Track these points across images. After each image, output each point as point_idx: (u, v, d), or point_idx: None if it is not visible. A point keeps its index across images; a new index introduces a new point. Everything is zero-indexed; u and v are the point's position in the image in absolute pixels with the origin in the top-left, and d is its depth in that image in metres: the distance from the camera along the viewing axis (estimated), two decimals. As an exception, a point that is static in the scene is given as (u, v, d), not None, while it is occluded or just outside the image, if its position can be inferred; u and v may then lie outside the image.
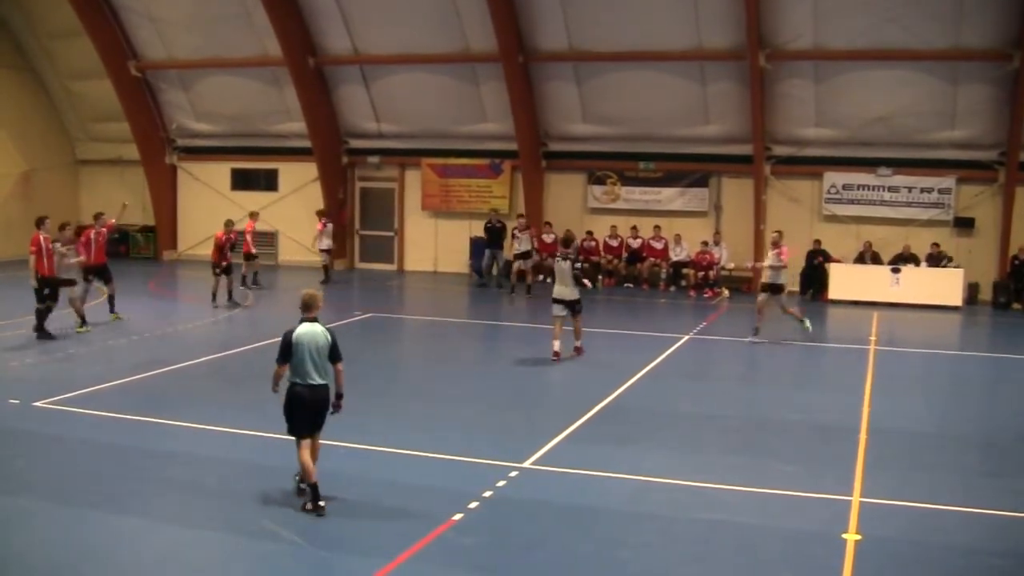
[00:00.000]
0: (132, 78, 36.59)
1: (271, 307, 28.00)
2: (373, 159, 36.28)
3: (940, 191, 30.46)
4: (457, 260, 35.27)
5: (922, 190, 30.57)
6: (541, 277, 32.27)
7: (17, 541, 10.98)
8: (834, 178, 31.24)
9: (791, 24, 29.02)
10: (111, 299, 24.46)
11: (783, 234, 24.08)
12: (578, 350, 20.80)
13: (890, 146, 30.56)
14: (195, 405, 16.62)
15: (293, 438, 11.90)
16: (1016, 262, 29.41)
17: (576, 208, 34.17)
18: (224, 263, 27.52)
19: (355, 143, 36.43)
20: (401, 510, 11.92)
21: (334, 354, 11.96)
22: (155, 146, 38.00)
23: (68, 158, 40.11)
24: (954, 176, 30.34)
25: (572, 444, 14.69)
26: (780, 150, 31.52)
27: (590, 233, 33.24)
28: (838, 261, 30.58)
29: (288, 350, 11.75)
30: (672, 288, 32.06)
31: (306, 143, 35.48)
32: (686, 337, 23.50)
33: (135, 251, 38.70)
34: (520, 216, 32.31)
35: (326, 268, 33.06)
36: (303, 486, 11.83)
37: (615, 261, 33.03)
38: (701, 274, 31.47)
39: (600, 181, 33.81)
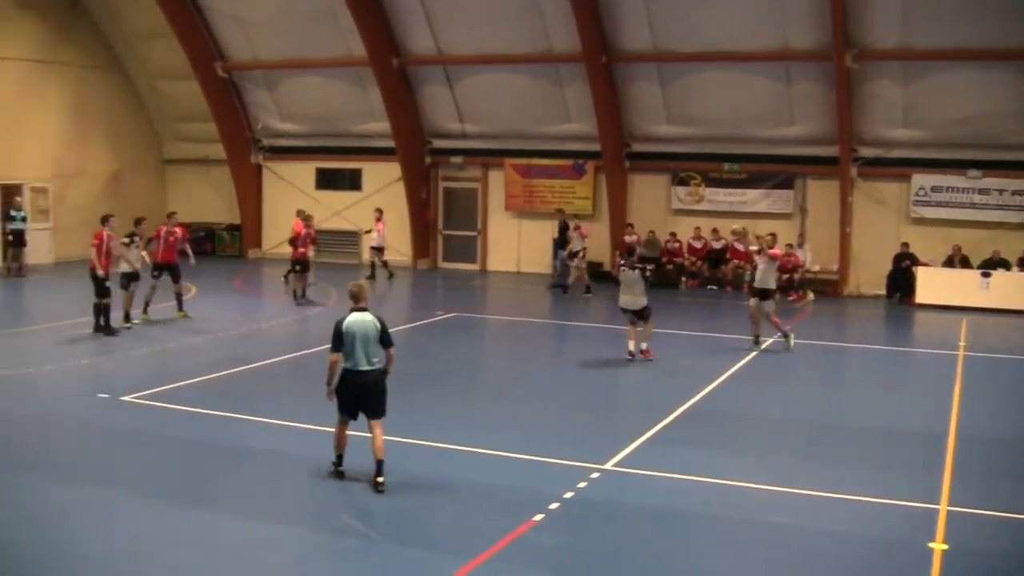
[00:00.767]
0: (219, 79, 37.08)
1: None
2: (456, 159, 36.39)
3: (1032, 194, 29.90)
4: (540, 260, 35.21)
5: (1013, 192, 29.95)
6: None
7: (103, 532, 11.16)
8: (922, 180, 30.74)
9: (878, 24, 28.62)
10: (178, 297, 24.74)
11: (776, 236, 23.68)
12: (645, 353, 20.67)
13: (980, 148, 29.98)
14: (277, 402, 16.78)
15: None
16: (1110, 267, 28.80)
17: (659, 209, 34.01)
18: (302, 259, 27.80)
19: (438, 143, 36.55)
20: (482, 510, 11.93)
21: (385, 340, 12.47)
22: (241, 146, 38.47)
23: (156, 157, 40.71)
24: (1047, 179, 29.75)
25: (653, 446, 14.61)
26: (867, 151, 31.08)
27: (673, 234, 33.07)
28: (926, 264, 30.08)
29: (339, 339, 12.33)
30: (756, 290, 31.76)
31: (390, 143, 35.67)
32: (770, 340, 23.26)
33: (220, 249, 39.16)
34: (572, 216, 32.14)
35: (375, 265, 33.44)
36: (339, 468, 12.71)
37: (698, 263, 32.81)
38: (785, 277, 31.12)
39: (684, 182, 33.61)
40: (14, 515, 11.52)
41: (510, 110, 34.66)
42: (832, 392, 19.44)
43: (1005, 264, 29.34)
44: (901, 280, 30.35)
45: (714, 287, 32.35)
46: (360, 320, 12.35)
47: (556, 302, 30.38)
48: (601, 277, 32.57)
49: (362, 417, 12.47)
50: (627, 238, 32.92)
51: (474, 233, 36.87)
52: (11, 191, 33.28)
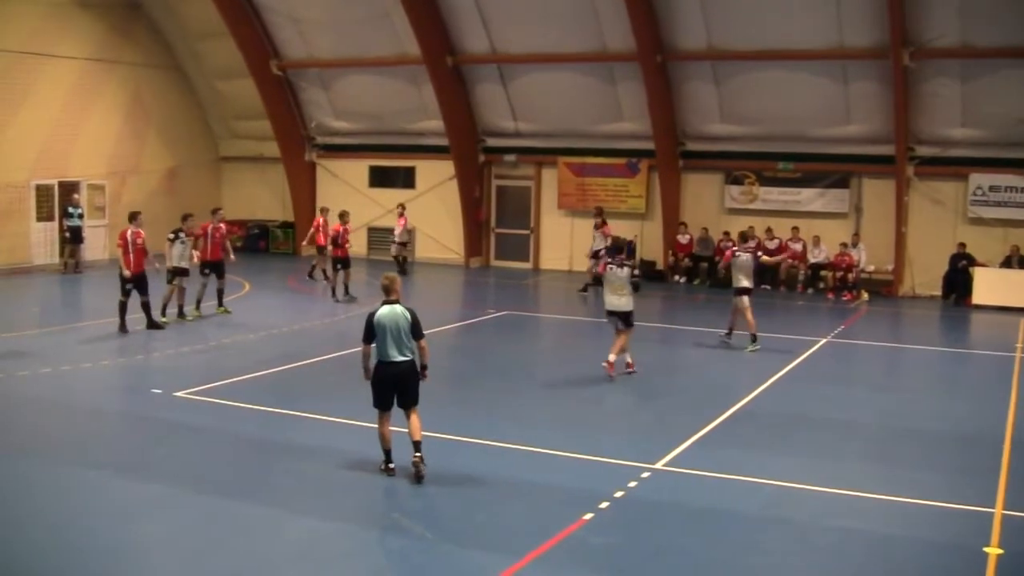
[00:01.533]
0: (274, 77, 37.32)
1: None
2: (510, 157, 36.40)
3: (1092, 194, 29.48)
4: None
5: (1073, 192, 29.60)
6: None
7: (156, 526, 11.29)
8: (980, 179, 30.35)
9: (936, 22, 28.28)
10: (220, 293, 24.97)
11: (755, 229, 23.38)
12: (629, 366, 19.14)
13: (1040, 147, 29.63)
14: (328, 399, 16.85)
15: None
16: None
17: (713, 208, 33.85)
18: (343, 256, 28.10)
19: (492, 141, 36.59)
20: (532, 508, 11.94)
21: (416, 332, 12.60)
22: (295, 143, 38.70)
23: (212, 155, 41.07)
24: (1108, 179, 29.33)
25: (705, 446, 14.54)
26: (923, 150, 30.73)
27: (726, 234, 32.88)
28: (983, 265, 29.72)
29: (371, 331, 12.59)
30: (809, 290, 31.53)
31: (443, 141, 35.75)
32: (823, 340, 23.10)
33: (274, 247, 39.39)
34: (597, 213, 31.89)
35: (402, 260, 34.23)
36: (390, 466, 12.73)
37: (752, 262, 32.61)
38: (839, 276, 30.89)
39: (738, 181, 33.43)
40: (76, 509, 11.68)
41: (564, 109, 34.62)
42: (886, 394, 19.23)
43: (1065, 265, 28.96)
44: (957, 281, 29.99)
45: (767, 287, 32.14)
46: (391, 312, 12.55)
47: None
48: (654, 277, 32.56)
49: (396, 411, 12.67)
50: (680, 238, 32.78)
51: (527, 231, 36.86)
52: (69, 188, 33.67)
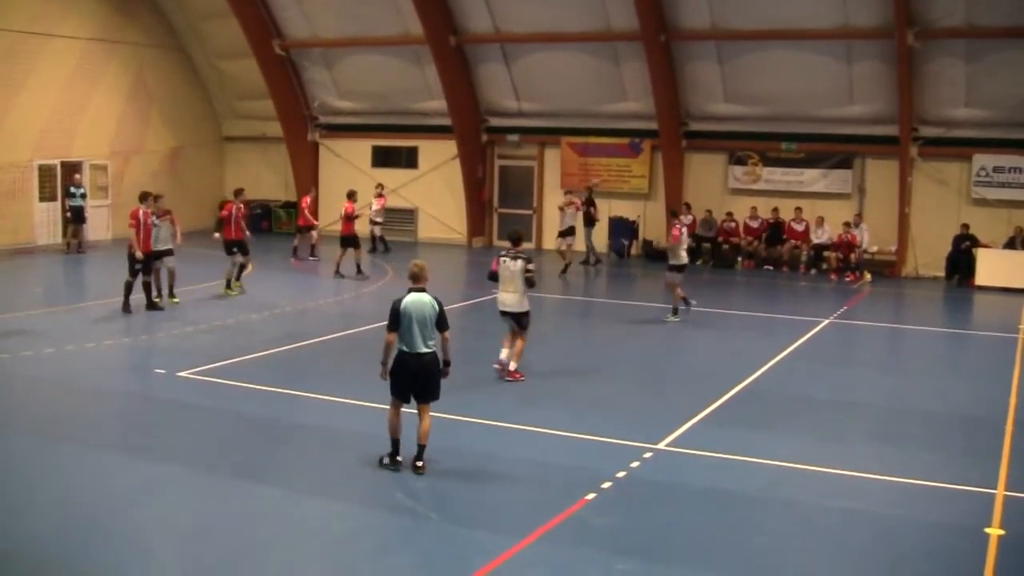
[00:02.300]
0: (276, 57, 37.23)
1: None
2: (513, 137, 36.35)
3: (1097, 175, 29.42)
4: (596, 239, 34.99)
5: (1078, 173, 29.55)
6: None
7: (161, 507, 11.33)
8: (984, 160, 30.24)
9: (942, 1, 28.15)
10: (241, 268, 25.10)
11: (691, 207, 23.50)
12: (513, 375, 17.00)
13: (1044, 127, 29.54)
14: (332, 379, 16.90)
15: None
16: None
17: (716, 189, 33.78)
18: (351, 235, 28.39)
19: (495, 121, 36.53)
20: (534, 488, 11.98)
21: (441, 323, 12.26)
22: (298, 123, 38.63)
23: (215, 135, 41.01)
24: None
25: (707, 427, 14.57)
26: (927, 131, 30.64)
27: (730, 214, 32.84)
28: (987, 246, 29.68)
29: (396, 319, 12.11)
30: (813, 271, 31.50)
31: (446, 121, 35.69)
32: (826, 321, 23.11)
33: (277, 226, 39.37)
34: (567, 192, 32.22)
35: (380, 239, 34.63)
36: (396, 458, 12.31)
37: (755, 243, 32.58)
38: (842, 257, 30.86)
39: (741, 161, 33.35)
40: (78, 490, 11.71)
41: (567, 88, 34.55)
42: (889, 375, 19.24)
43: (1069, 246, 28.92)
44: (960, 262, 29.95)
45: (770, 267, 32.12)
46: (418, 301, 12.18)
47: (610, 281, 30.35)
48: (657, 257, 32.58)
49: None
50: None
51: (530, 212, 36.83)
52: (71, 169, 33.64)
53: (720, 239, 32.82)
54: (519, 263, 16.75)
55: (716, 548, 10.45)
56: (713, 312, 24.03)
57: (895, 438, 14.46)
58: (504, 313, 17.10)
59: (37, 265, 30.33)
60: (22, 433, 13.86)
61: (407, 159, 38.14)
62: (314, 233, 32.64)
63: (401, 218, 37.71)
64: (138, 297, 22.37)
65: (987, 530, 10.81)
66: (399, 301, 12.19)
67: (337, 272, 28.00)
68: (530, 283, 16.85)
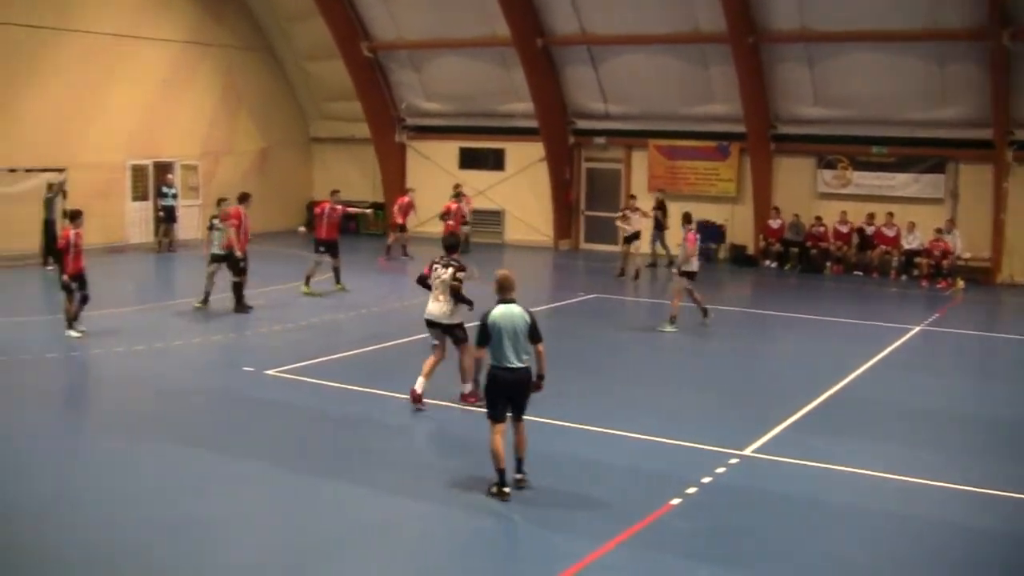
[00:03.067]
0: (364, 58, 37.50)
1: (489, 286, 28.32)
2: (599, 140, 36.24)
3: None
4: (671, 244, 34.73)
5: None
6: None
7: (246, 502, 11.51)
8: (1082, 165, 29.59)
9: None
10: (336, 271, 25.39)
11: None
12: (466, 398, 15.28)
13: None
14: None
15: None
16: None
17: (805, 193, 33.36)
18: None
19: (582, 124, 36.44)
20: (619, 492, 11.90)
21: (534, 335, 11.77)
22: (385, 125, 38.87)
23: (302, 136, 41.41)
24: None
25: (794, 434, 14.39)
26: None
27: (818, 218, 32.44)
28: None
29: (485, 333, 11.70)
30: (903, 277, 30.99)
31: (533, 123, 35.68)
32: (917, 328, 22.72)
33: (364, 227, 39.60)
34: (631, 196, 31.74)
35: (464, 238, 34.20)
36: (503, 488, 11.52)
37: (844, 248, 32.14)
38: (934, 263, 30.33)
39: (831, 165, 32.92)
40: (168, 485, 11.87)
41: (654, 91, 34.37)
42: (981, 384, 18.91)
43: None
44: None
45: (860, 273, 31.66)
46: (508, 313, 11.73)
47: (697, 285, 30.16)
48: (745, 261, 32.33)
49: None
50: (771, 223, 32.45)
51: (617, 214, 36.66)
52: (163, 169, 34.19)
53: (808, 244, 32.41)
54: (449, 270, 15.35)
55: (801, 557, 10.30)
56: (801, 317, 23.78)
57: (988, 448, 14.17)
58: (429, 324, 15.66)
59: (129, 263, 30.83)
60: (113, 428, 14.13)
61: (494, 161, 38.20)
62: (400, 234, 32.79)
63: (488, 220, 37.77)
64: (224, 296, 22.62)
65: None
66: (487, 314, 11.78)
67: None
68: (454, 294, 15.16)
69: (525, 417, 11.88)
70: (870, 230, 31.61)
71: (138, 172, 33.98)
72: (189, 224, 35.08)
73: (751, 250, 33.53)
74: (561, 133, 36.22)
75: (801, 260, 32.41)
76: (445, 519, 11.21)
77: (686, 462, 12.94)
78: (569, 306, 24.79)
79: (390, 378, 16.86)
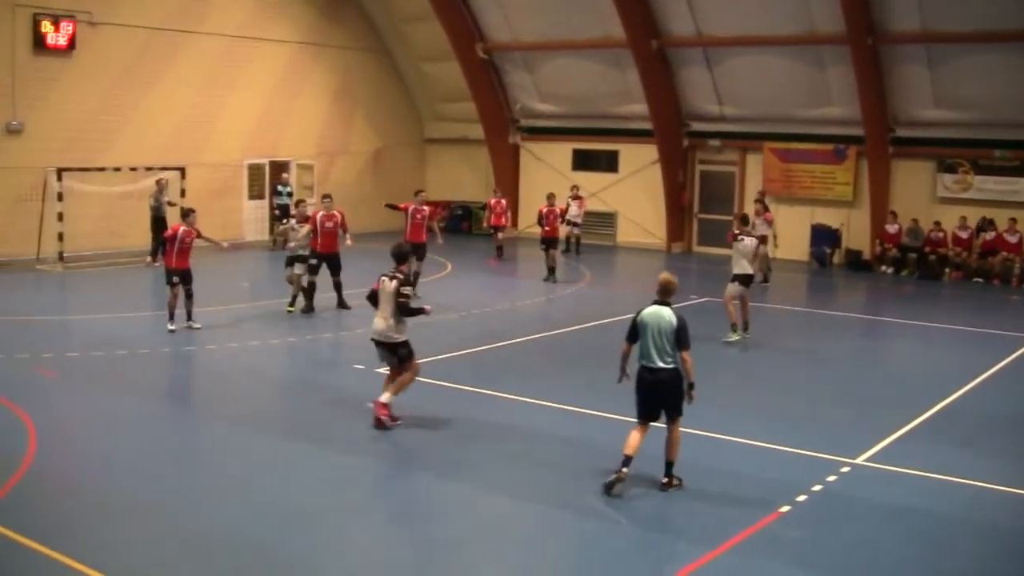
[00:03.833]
0: (479, 60, 37.69)
1: (605, 287, 28.26)
2: (714, 142, 35.97)
3: None
4: (797, 247, 34.24)
5: None
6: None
7: (351, 495, 11.75)
8: None
9: None
10: (416, 275, 25.01)
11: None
12: (380, 408, 14.15)
13: None
14: (527, 380, 16.97)
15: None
16: None
17: (924, 197, 32.69)
18: (550, 236, 28.72)
19: (696, 126, 36.19)
20: (728, 498, 11.79)
21: (681, 340, 11.69)
22: (499, 126, 39.03)
23: (417, 137, 41.75)
24: None
25: (908, 443, 14.10)
26: None
27: (937, 224, 31.78)
28: None
29: (633, 330, 11.93)
30: (1025, 285, 30.24)
31: (647, 125, 35.52)
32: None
33: (477, 227, 39.79)
34: (758, 199, 30.55)
35: (576, 241, 34.74)
36: (620, 473, 11.64)
37: (964, 254, 31.44)
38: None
39: (951, 169, 32.24)
40: (284, 479, 12.09)
41: (770, 93, 33.99)
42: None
43: None
44: None
45: (980, 280, 30.94)
46: (656, 313, 11.79)
47: (812, 290, 29.72)
48: (860, 267, 31.83)
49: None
50: (888, 227, 31.87)
51: (730, 217, 36.32)
52: (279, 168, 34.75)
53: (927, 249, 31.76)
54: (394, 283, 14.10)
55: (908, 569, 10.10)
56: (917, 325, 23.33)
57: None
58: (377, 344, 14.43)
59: (244, 260, 31.33)
60: (231, 422, 14.45)
61: (607, 163, 38.11)
62: (500, 235, 32.87)
63: (601, 222, 37.72)
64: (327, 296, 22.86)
65: None
66: (639, 312, 11.98)
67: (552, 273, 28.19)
68: (402, 309, 14.05)
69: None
70: (989, 236, 30.82)
71: (254, 171, 34.71)
72: (304, 223, 35.56)
73: (867, 255, 32.98)
74: (675, 135, 36.01)
75: (919, 266, 31.76)
76: (552, 520, 11.23)
77: (797, 469, 12.78)
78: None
79: (500, 378, 16.96)
